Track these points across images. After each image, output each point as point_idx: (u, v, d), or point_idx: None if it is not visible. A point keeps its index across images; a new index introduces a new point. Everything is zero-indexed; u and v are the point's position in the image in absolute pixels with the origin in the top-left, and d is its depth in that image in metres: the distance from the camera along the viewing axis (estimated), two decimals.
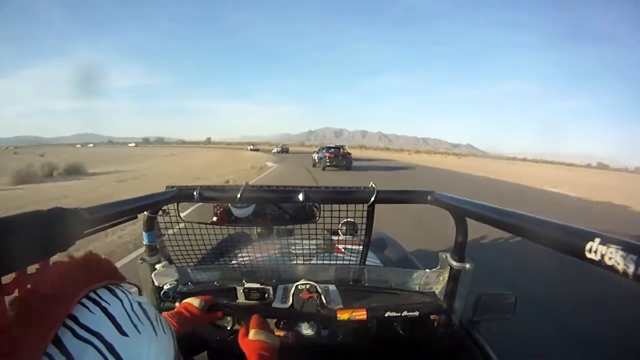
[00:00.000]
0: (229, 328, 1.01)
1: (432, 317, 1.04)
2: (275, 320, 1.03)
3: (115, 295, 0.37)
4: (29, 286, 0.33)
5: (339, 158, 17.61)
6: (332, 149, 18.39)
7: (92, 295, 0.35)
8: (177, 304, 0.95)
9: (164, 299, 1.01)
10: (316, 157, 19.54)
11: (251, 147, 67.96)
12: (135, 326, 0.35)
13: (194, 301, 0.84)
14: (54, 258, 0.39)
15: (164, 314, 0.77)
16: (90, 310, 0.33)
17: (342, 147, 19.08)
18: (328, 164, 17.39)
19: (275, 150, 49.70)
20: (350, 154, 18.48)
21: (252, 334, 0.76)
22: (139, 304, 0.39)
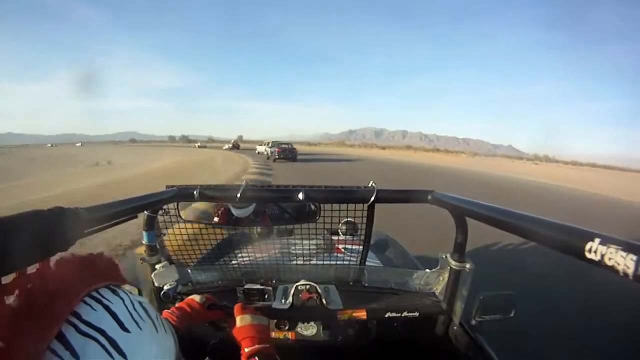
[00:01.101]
0: (229, 328, 1.01)
1: (432, 317, 1.03)
2: (275, 320, 1.03)
3: (117, 295, 0.38)
4: (29, 286, 0.33)
5: (286, 152, 22.14)
6: (281, 145, 23.19)
7: (95, 294, 0.35)
8: (176, 304, 0.95)
9: (163, 300, 1.01)
10: (269, 152, 23.43)
11: (198, 144, 69.14)
12: (136, 323, 0.36)
13: (195, 297, 0.85)
14: (54, 258, 0.39)
15: (165, 311, 0.78)
16: (92, 308, 0.34)
17: (289, 144, 24.24)
18: (277, 156, 21.76)
19: (226, 147, 48.38)
20: (295, 149, 23.19)
21: (239, 320, 0.77)
22: (140, 303, 0.39)
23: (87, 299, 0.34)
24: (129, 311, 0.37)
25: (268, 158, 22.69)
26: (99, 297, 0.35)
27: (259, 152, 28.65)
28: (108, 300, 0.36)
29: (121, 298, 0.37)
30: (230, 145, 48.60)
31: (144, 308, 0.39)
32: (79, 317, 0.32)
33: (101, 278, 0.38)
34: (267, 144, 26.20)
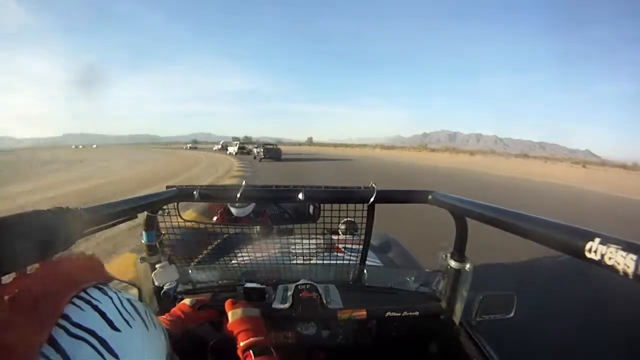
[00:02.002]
0: (224, 326, 1.01)
1: (432, 317, 1.04)
2: (275, 320, 1.03)
3: (105, 293, 0.37)
4: (29, 287, 0.32)
5: (271, 152, 24.73)
6: (266, 146, 26.11)
7: (83, 294, 0.35)
8: (177, 304, 0.96)
9: (164, 299, 1.01)
10: (255, 152, 27.16)
11: (189, 145, 65.71)
12: (126, 321, 0.36)
13: (186, 301, 0.87)
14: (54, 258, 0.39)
15: (159, 317, 0.78)
16: (81, 309, 0.33)
17: (274, 144, 27.35)
18: (262, 156, 24.18)
19: (215, 148, 50.75)
20: (280, 149, 25.97)
21: (230, 316, 0.78)
22: (129, 300, 0.39)
23: (76, 300, 0.34)
24: (118, 310, 0.36)
25: (254, 158, 25.53)
26: (87, 297, 0.35)
27: (229, 153, 35.42)
28: (96, 299, 0.35)
29: (109, 296, 0.37)
30: (219, 146, 51.12)
31: (132, 305, 0.39)
32: (68, 319, 0.32)
33: (89, 278, 0.37)
34: (235, 145, 35.83)
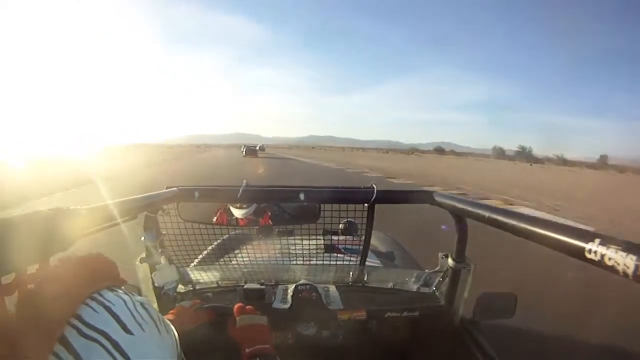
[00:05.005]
0: (228, 328, 1.01)
1: (432, 317, 1.04)
2: (275, 321, 1.03)
3: (119, 296, 0.37)
4: (30, 286, 0.33)
5: (251, 151, 38.09)
6: (249, 146, 40.30)
7: (96, 295, 0.35)
8: (177, 304, 0.96)
9: (164, 300, 1.00)
10: (243, 151, 40.65)
11: (245, 147, 63.14)
12: (139, 325, 0.36)
13: (183, 303, 0.87)
14: (54, 258, 0.39)
15: None
16: (94, 310, 0.33)
17: (255, 145, 41.83)
18: (245, 153, 37.71)
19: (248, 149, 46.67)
20: (256, 149, 39.94)
21: (239, 321, 0.78)
22: (142, 304, 0.39)
23: (89, 301, 0.34)
24: (131, 312, 0.36)
25: (243, 154, 37.73)
26: (100, 298, 0.35)
27: (241, 151, 46.75)
28: (110, 301, 0.35)
29: (122, 299, 0.37)
30: (256, 147, 48.44)
31: (145, 309, 0.39)
32: (81, 319, 0.32)
33: (101, 279, 0.37)
34: (243, 147, 46.30)
